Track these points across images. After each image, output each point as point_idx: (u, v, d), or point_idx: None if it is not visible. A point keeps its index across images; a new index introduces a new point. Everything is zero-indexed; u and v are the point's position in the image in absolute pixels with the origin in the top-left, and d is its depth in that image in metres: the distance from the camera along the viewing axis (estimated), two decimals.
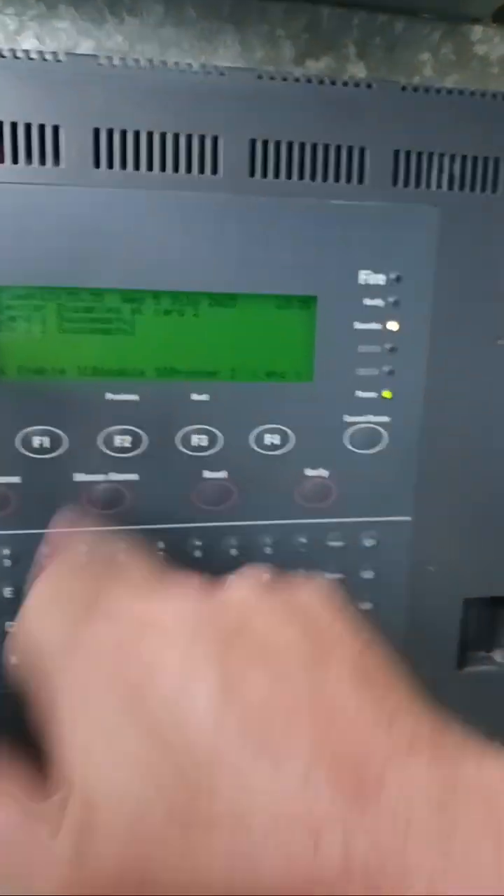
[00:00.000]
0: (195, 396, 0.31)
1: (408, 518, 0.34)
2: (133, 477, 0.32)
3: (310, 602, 0.19)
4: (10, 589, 0.32)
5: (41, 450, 0.30)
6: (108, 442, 0.31)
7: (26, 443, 0.30)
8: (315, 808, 0.14)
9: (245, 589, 0.19)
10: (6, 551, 0.31)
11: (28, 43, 0.35)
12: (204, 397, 0.32)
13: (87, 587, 0.19)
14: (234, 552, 0.33)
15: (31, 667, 0.18)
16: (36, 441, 0.30)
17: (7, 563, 0.31)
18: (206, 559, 0.33)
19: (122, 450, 0.31)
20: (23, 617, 0.20)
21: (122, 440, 0.31)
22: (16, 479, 0.31)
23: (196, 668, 0.16)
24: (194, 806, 0.15)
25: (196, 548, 0.33)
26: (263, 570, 0.20)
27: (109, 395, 0.31)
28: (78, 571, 0.21)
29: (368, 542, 0.34)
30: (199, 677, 0.16)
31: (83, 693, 0.17)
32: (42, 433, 0.30)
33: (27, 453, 0.30)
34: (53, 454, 0.31)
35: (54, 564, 0.21)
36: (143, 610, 0.18)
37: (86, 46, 0.35)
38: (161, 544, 0.33)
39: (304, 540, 0.34)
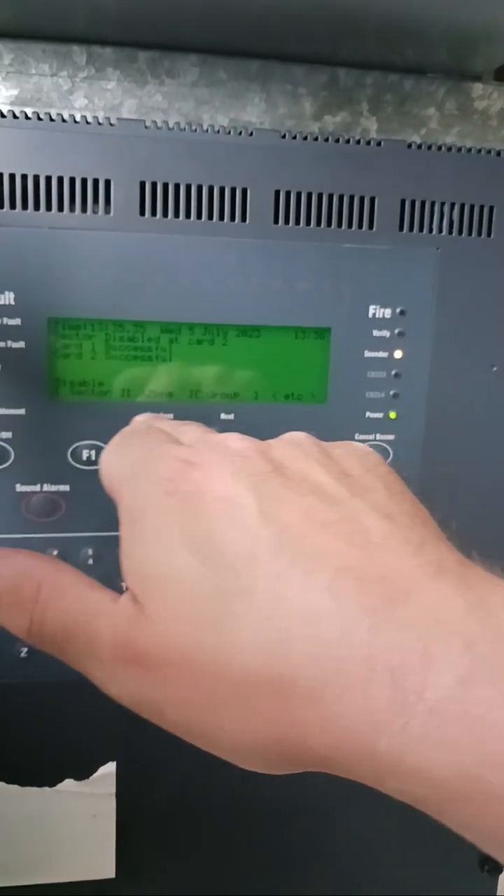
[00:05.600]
0: (223, 416, 0.35)
1: None
2: None
3: (345, 455, 0.21)
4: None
5: (88, 462, 0.34)
6: None
7: (76, 455, 0.34)
8: (343, 611, 0.15)
9: (287, 440, 0.21)
10: (55, 551, 0.35)
11: (79, 102, 0.40)
12: (230, 416, 0.35)
13: (147, 439, 0.22)
14: None
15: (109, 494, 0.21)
16: (84, 454, 0.34)
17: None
18: None
19: None
20: (101, 458, 0.22)
21: None
22: (65, 488, 0.35)
23: (238, 494, 0.18)
24: (232, 602, 0.16)
25: None
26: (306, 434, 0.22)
27: None
28: (143, 431, 0.23)
29: None
30: (240, 501, 0.17)
31: (139, 515, 0.19)
32: (89, 447, 0.34)
33: (76, 465, 0.34)
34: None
35: (127, 427, 0.24)
36: (191, 453, 0.20)
37: (130, 104, 0.40)
38: None
39: None
